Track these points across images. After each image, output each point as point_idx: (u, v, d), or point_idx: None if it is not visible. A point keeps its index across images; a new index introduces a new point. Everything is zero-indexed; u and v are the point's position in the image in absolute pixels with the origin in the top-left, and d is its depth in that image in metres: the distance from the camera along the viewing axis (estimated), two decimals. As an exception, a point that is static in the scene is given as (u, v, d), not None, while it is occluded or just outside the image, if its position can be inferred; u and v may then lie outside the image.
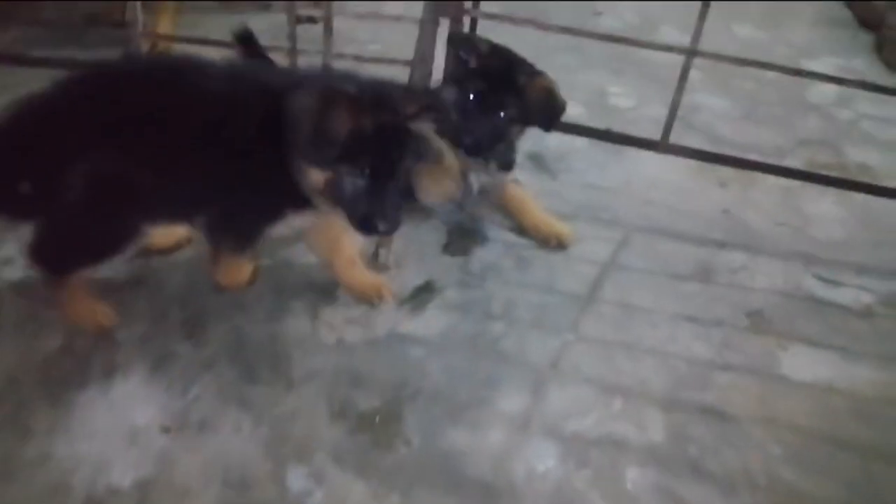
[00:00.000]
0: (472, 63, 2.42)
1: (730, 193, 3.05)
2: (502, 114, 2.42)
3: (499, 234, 2.65)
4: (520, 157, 3.13)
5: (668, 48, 2.76)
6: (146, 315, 2.17)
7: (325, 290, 2.31)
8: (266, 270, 2.35)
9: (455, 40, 2.54)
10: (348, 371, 2.05)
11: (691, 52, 2.61)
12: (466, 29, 2.79)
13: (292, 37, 2.62)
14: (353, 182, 1.84)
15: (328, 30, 2.62)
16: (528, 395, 2.03)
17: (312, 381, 2.02)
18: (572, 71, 3.96)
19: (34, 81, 1.97)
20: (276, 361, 2.07)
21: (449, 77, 2.55)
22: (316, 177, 1.86)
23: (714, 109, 3.77)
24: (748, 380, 2.15)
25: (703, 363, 2.20)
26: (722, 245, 2.71)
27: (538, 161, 3.14)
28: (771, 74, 4.30)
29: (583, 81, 3.85)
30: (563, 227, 2.59)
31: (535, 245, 2.60)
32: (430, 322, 2.24)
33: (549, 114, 2.51)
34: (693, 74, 4.23)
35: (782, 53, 4.29)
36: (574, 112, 3.62)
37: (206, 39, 2.81)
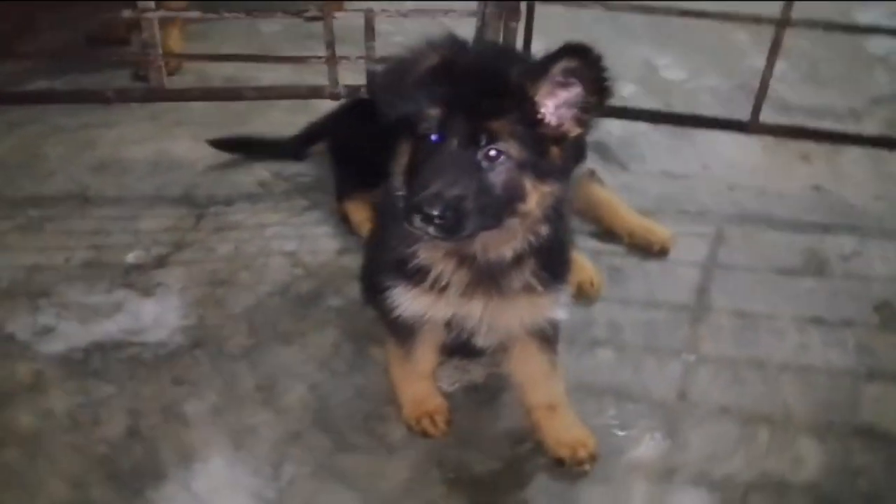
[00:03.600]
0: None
1: (815, 167, 2.78)
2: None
3: (580, 241, 2.38)
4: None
5: (758, 19, 2.45)
6: (212, 382, 1.91)
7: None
8: (336, 311, 2.10)
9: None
10: (454, 427, 1.80)
11: (783, 22, 2.31)
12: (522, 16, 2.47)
13: (331, 44, 2.32)
14: (424, 145, 1.41)
15: (370, 30, 2.32)
16: (663, 437, 1.78)
17: (415, 443, 1.77)
18: (614, 43, 3.65)
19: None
20: (370, 422, 1.82)
21: None
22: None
23: (773, 73, 3.47)
24: (898, 387, 1.92)
25: (845, 374, 1.95)
26: (825, 228, 2.45)
27: (603, 151, 2.86)
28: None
29: (629, 56, 3.55)
30: (663, 231, 2.32)
31: (624, 251, 2.34)
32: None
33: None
34: (740, 36, 4.01)
35: (831, 5, 3.98)
36: (627, 91, 3.36)
37: (220, 55, 2.52)
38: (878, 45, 3.65)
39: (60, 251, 2.32)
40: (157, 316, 2.11)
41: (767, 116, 3.15)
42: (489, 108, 1.35)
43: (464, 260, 1.54)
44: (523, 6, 2.39)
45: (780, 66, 3.55)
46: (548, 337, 1.71)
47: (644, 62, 3.53)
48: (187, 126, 2.85)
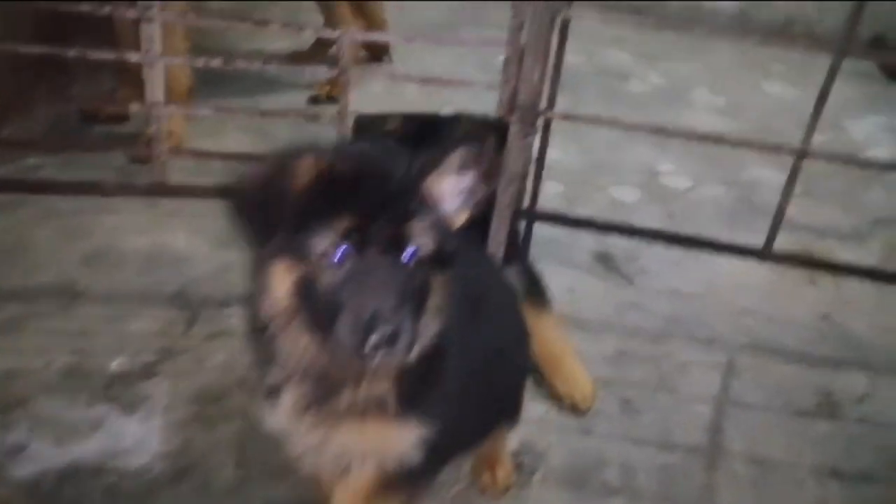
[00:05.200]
0: None
1: (823, 292, 2.76)
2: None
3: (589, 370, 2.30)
4: (587, 260, 2.85)
5: (778, 148, 2.45)
6: (199, 521, 1.77)
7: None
8: None
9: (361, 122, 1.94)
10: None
11: (802, 153, 2.31)
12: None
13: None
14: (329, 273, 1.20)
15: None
16: None
17: None
18: (614, 145, 3.68)
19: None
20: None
21: None
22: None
23: (771, 184, 3.48)
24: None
25: (868, 536, 1.87)
26: (836, 365, 2.40)
27: (608, 263, 2.82)
28: (819, 137, 4.15)
29: (630, 159, 3.57)
30: (584, 387, 2.13)
31: (635, 380, 2.26)
32: (542, 505, 1.87)
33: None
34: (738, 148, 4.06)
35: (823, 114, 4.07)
36: (630, 198, 3.36)
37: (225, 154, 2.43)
38: (873, 156, 3.72)
39: (41, 355, 2.17)
40: (139, 437, 1.96)
41: (763, 228, 3.19)
42: (402, 210, 1.21)
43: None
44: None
45: (778, 177, 3.60)
46: (399, 485, 1.42)
47: (646, 167, 3.54)
48: (183, 217, 2.75)
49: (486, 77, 4.28)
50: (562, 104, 2.44)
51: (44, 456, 1.89)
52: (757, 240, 3.07)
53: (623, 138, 3.78)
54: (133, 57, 2.14)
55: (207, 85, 3.32)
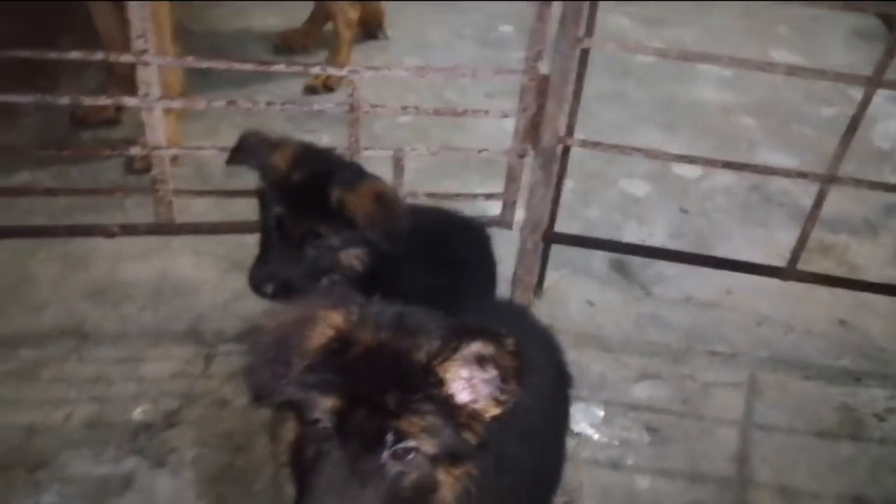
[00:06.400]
0: (272, 177, 1.74)
1: (838, 296, 2.73)
2: (315, 244, 1.74)
3: (610, 391, 2.31)
4: (604, 269, 2.81)
5: (803, 175, 2.38)
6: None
7: None
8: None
9: (248, 143, 1.77)
10: None
11: (829, 179, 2.25)
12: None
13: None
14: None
15: (398, 168, 2.17)
16: None
17: None
18: (623, 128, 3.58)
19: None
20: None
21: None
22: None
23: (783, 169, 3.43)
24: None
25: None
26: (857, 379, 2.42)
27: (624, 271, 2.78)
28: (828, 110, 4.08)
29: (639, 144, 3.47)
30: None
31: (661, 408, 2.26)
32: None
33: (383, 228, 1.72)
34: (748, 122, 3.97)
35: (829, 83, 3.97)
36: (641, 191, 3.30)
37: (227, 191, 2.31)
38: (883, 133, 3.67)
39: (60, 406, 2.13)
40: (172, 493, 1.95)
41: (784, 225, 3.16)
42: (396, 401, 1.10)
43: None
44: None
45: (790, 160, 3.57)
46: None
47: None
48: (186, 239, 2.65)
49: (483, 50, 4.16)
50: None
51: (76, 521, 1.88)
52: (772, 236, 3.08)
53: (631, 121, 3.68)
54: (130, 102, 1.99)
55: (198, 78, 3.15)
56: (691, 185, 3.33)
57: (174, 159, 2.82)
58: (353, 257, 1.75)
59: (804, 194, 3.37)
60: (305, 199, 1.70)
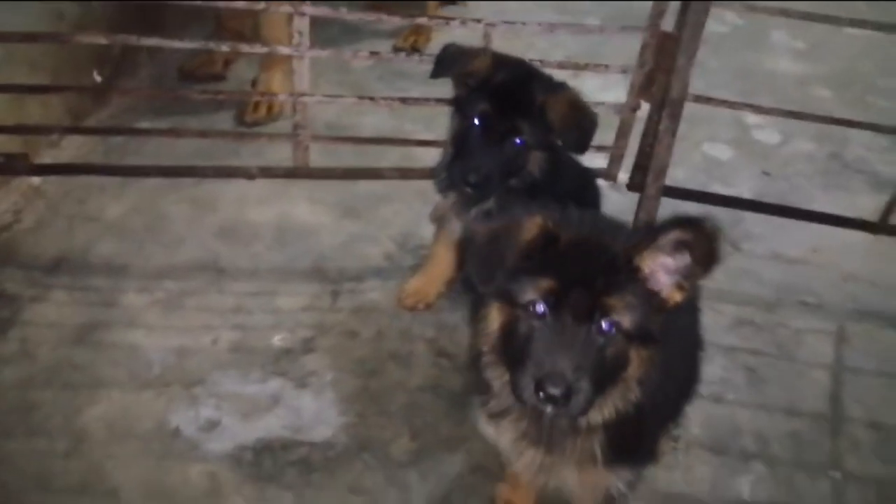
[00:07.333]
0: (474, 80, 1.93)
1: (922, 253, 2.87)
2: (517, 140, 1.92)
3: (718, 336, 2.44)
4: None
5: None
6: (387, 493, 1.96)
7: None
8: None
9: (449, 53, 1.96)
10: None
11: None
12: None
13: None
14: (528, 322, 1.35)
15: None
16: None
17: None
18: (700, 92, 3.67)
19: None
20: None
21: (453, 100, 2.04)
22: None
23: (861, 138, 3.52)
24: None
25: None
26: (942, 330, 2.56)
27: (712, 228, 2.92)
28: None
29: (719, 112, 3.57)
30: None
31: (759, 349, 2.41)
32: (692, 473, 2.07)
33: (578, 134, 1.94)
34: (824, 93, 4.04)
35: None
36: (724, 155, 3.42)
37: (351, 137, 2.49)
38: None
39: (206, 332, 2.34)
40: (317, 412, 2.15)
41: (864, 190, 3.26)
42: (603, 283, 1.31)
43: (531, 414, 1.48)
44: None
45: (865, 134, 3.65)
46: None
47: (735, 120, 3.57)
48: (302, 186, 2.84)
49: (562, 17, 4.26)
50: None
51: (235, 431, 2.08)
52: (854, 200, 3.18)
53: (708, 89, 3.73)
54: (285, 50, 2.16)
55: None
56: (772, 151, 3.44)
57: (284, 109, 3.01)
58: (538, 160, 1.96)
59: (882, 162, 3.48)
60: (509, 98, 1.88)
